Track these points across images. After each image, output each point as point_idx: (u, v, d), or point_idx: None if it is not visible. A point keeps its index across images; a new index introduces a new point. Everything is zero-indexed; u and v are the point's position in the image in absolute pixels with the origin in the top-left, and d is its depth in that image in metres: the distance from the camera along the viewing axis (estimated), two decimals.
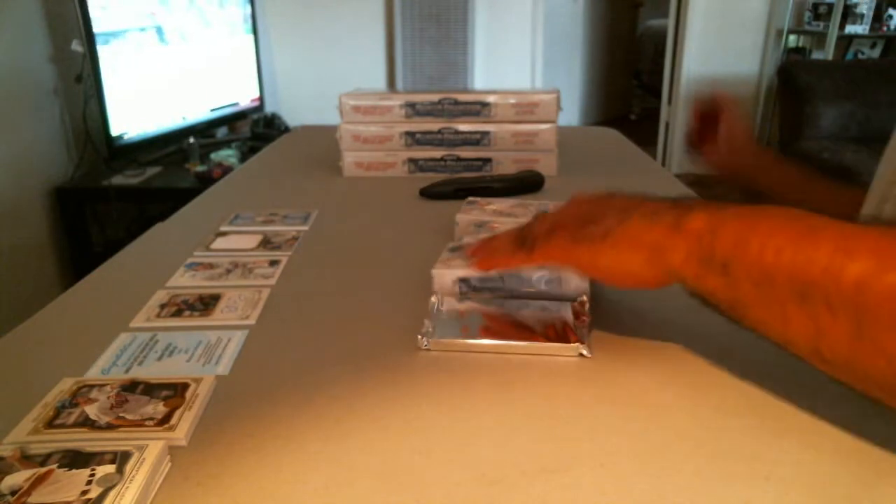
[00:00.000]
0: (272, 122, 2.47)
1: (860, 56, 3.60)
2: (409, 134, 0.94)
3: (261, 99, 2.59)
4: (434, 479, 0.35)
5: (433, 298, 0.52)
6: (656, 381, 0.43)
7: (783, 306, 0.34)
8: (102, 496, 0.32)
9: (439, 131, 0.94)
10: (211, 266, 0.62)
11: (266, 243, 0.68)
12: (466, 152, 0.95)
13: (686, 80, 3.44)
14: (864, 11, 3.23)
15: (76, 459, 0.34)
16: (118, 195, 2.02)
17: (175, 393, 0.41)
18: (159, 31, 2.07)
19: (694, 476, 0.34)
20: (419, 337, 0.47)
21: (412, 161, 0.95)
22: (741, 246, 0.36)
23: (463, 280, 0.53)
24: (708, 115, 0.81)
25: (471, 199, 0.72)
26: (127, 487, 0.32)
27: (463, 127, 0.94)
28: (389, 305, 0.55)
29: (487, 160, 0.95)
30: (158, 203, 1.95)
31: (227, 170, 2.01)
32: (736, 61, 3.41)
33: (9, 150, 1.83)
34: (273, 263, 0.63)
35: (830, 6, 3.22)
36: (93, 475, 0.33)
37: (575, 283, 0.52)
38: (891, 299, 0.30)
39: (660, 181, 0.98)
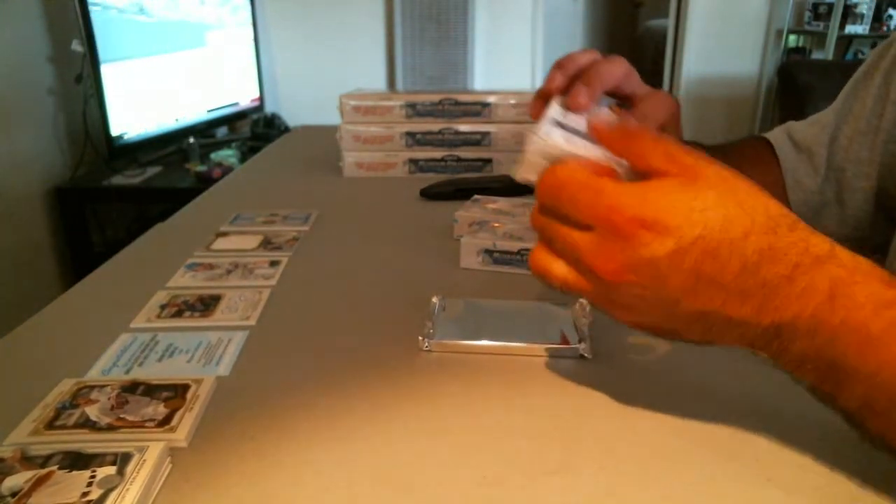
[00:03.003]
0: (272, 122, 2.46)
1: (860, 56, 3.59)
2: (410, 134, 0.94)
3: (261, 99, 2.59)
4: (434, 481, 0.34)
5: (434, 299, 0.52)
6: (657, 383, 0.43)
7: None
8: (103, 498, 0.32)
9: (440, 132, 0.94)
10: (211, 266, 0.62)
11: (266, 244, 0.68)
12: (467, 153, 0.95)
13: (686, 80, 3.43)
14: (864, 11, 3.23)
15: (77, 461, 0.34)
16: (118, 195, 2.01)
17: (175, 394, 0.41)
18: (160, 30, 2.06)
19: (695, 477, 0.34)
20: (420, 338, 0.47)
21: (412, 161, 0.95)
22: (869, 407, 0.30)
23: (487, 251, 0.61)
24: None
25: (476, 197, 0.72)
26: (127, 489, 0.32)
27: (463, 127, 0.94)
28: (390, 306, 0.55)
29: (488, 160, 0.94)
30: (158, 203, 1.94)
31: (227, 170, 2.00)
32: (736, 61, 3.41)
33: (9, 150, 1.83)
34: (273, 264, 0.63)
35: (830, 6, 3.21)
36: (93, 476, 0.33)
37: None
38: None
39: None
